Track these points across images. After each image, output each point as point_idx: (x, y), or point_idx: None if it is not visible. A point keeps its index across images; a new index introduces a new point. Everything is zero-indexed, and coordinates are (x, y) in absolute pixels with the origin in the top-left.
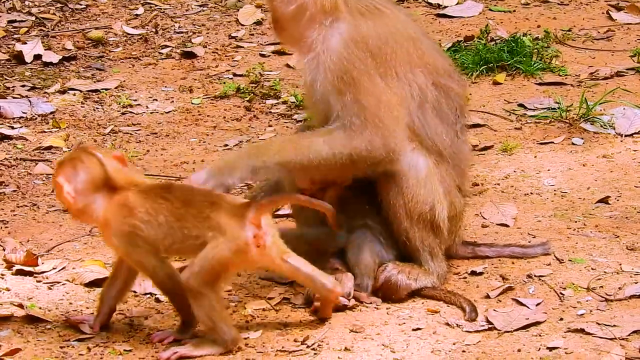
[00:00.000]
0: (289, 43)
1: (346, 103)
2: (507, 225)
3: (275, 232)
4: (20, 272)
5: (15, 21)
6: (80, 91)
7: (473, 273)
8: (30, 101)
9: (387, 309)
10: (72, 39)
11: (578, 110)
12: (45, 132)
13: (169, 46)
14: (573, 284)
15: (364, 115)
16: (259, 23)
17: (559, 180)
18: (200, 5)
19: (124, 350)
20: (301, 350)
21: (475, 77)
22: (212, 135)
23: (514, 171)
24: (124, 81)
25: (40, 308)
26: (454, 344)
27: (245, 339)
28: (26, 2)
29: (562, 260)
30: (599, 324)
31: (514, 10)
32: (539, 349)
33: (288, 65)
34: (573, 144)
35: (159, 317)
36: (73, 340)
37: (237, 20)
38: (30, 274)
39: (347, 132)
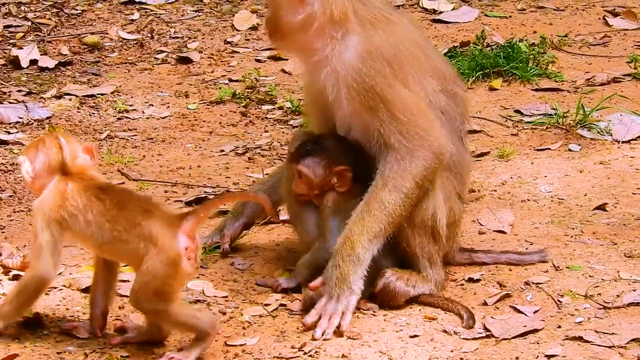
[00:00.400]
0: (290, 50)
1: (383, 120)
2: (504, 232)
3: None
4: (17, 278)
5: (11, 26)
6: (76, 96)
7: (470, 280)
8: (26, 106)
9: (384, 315)
10: (68, 44)
11: (575, 117)
12: None
13: (164, 51)
14: (571, 292)
15: (405, 130)
16: (254, 28)
17: (556, 187)
18: (195, 11)
19: (121, 356)
20: (298, 357)
21: (471, 83)
22: (208, 140)
23: (511, 177)
24: (120, 86)
25: (37, 313)
26: (451, 351)
27: (242, 345)
28: (22, 7)
29: (560, 267)
30: (597, 332)
31: (510, 16)
32: (537, 356)
33: (284, 71)
34: (570, 150)
35: None
36: (70, 346)
37: (232, 26)
38: None
39: (400, 165)
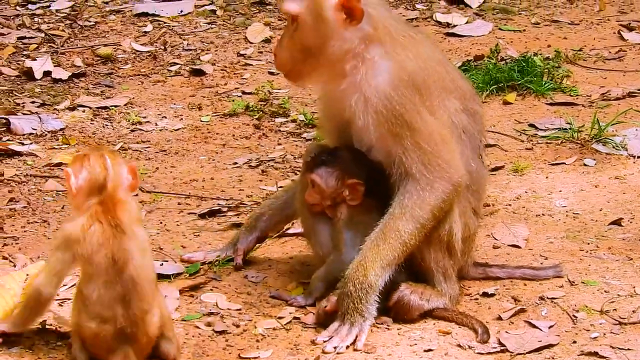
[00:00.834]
0: (315, 83)
1: (407, 148)
2: (518, 247)
3: None
4: None
5: (24, 37)
6: (90, 108)
7: (485, 294)
8: (40, 117)
9: (398, 329)
10: (82, 56)
11: (590, 131)
12: (55, 148)
13: (177, 63)
14: (586, 307)
15: (427, 161)
16: (267, 41)
17: (571, 202)
18: (208, 23)
19: None
20: None
21: (485, 97)
22: (221, 153)
23: (525, 192)
24: (133, 98)
25: (51, 324)
26: None
27: (255, 358)
28: (35, 19)
29: (575, 282)
30: (612, 348)
31: (524, 30)
32: None
33: None
34: (585, 165)
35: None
36: None
37: (245, 38)
38: None
39: (420, 196)
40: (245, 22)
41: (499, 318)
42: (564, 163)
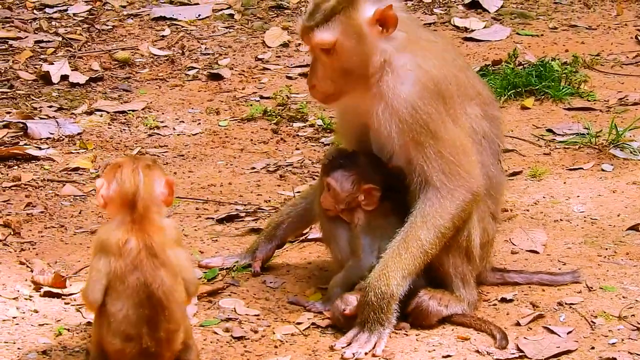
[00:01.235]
0: (345, 98)
1: (429, 156)
2: (536, 252)
3: None
4: (48, 294)
5: (42, 41)
6: (107, 112)
7: (503, 300)
8: (57, 122)
9: (416, 335)
10: (99, 60)
11: (607, 136)
12: (72, 153)
13: (195, 68)
14: (604, 312)
15: (449, 170)
16: (285, 45)
17: (589, 207)
18: (226, 27)
19: None
20: None
21: (503, 102)
22: (239, 157)
23: (544, 197)
24: (151, 102)
25: (68, 330)
26: None
27: None
28: (53, 23)
29: (593, 288)
30: (631, 353)
31: (542, 35)
32: None
33: None
34: (603, 170)
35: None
36: None
37: (263, 42)
38: (58, 295)
39: (441, 204)
40: (263, 26)
41: (518, 324)
42: (582, 168)
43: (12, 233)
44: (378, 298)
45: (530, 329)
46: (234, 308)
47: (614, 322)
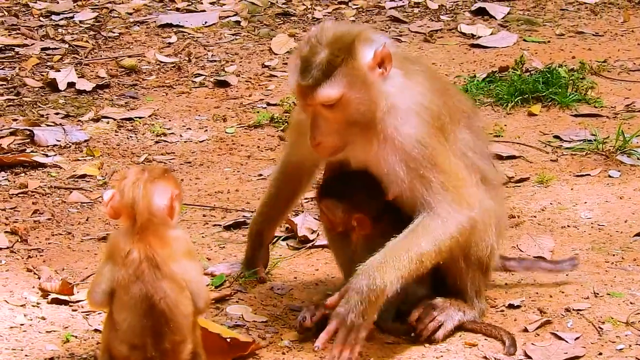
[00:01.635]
0: (349, 146)
1: (434, 189)
2: (544, 258)
3: None
4: (55, 301)
5: (48, 49)
6: (114, 119)
7: (511, 306)
8: (64, 129)
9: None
10: (106, 67)
11: (615, 143)
12: (79, 160)
13: (202, 75)
14: (612, 318)
15: (451, 199)
16: (291, 52)
17: (596, 213)
18: (233, 34)
19: None
20: None
21: (510, 108)
22: (246, 164)
23: (551, 203)
24: (158, 110)
25: (75, 337)
26: None
27: None
28: (59, 30)
29: (600, 294)
30: (638, 359)
31: (549, 41)
32: None
33: None
34: (610, 176)
35: None
36: None
37: (270, 49)
38: (65, 303)
39: (442, 220)
40: (269, 34)
41: (525, 330)
42: (589, 175)
43: (19, 240)
44: (370, 288)
45: (538, 335)
46: (242, 315)
47: (622, 328)
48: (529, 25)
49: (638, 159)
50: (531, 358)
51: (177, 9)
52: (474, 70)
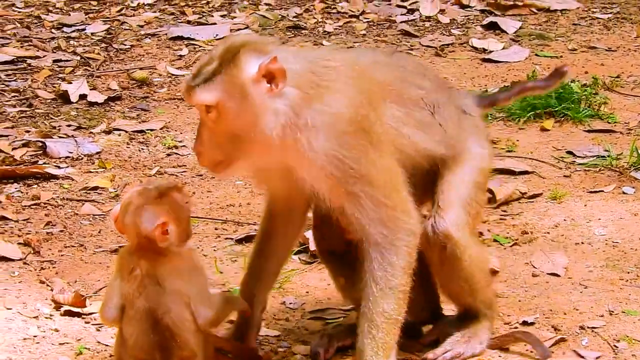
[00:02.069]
0: (244, 164)
1: (365, 207)
2: (557, 275)
3: None
4: (68, 313)
5: (60, 60)
6: (126, 131)
7: (525, 323)
8: (76, 141)
9: None
10: (117, 79)
11: (629, 159)
12: (91, 172)
13: None
14: (627, 337)
15: (386, 217)
16: None
17: (610, 230)
18: None
19: None
20: None
21: (522, 123)
22: None
23: (564, 220)
24: (169, 122)
25: (88, 349)
26: None
27: None
28: (71, 42)
29: (615, 312)
30: None
31: (561, 56)
32: None
33: None
34: (624, 193)
35: None
36: None
37: None
38: (78, 315)
39: (386, 259)
40: None
41: None
42: (603, 191)
43: (32, 252)
44: None
45: (553, 352)
46: None
47: (637, 347)
48: (540, 39)
49: None
50: None
51: (188, 22)
52: (486, 85)
